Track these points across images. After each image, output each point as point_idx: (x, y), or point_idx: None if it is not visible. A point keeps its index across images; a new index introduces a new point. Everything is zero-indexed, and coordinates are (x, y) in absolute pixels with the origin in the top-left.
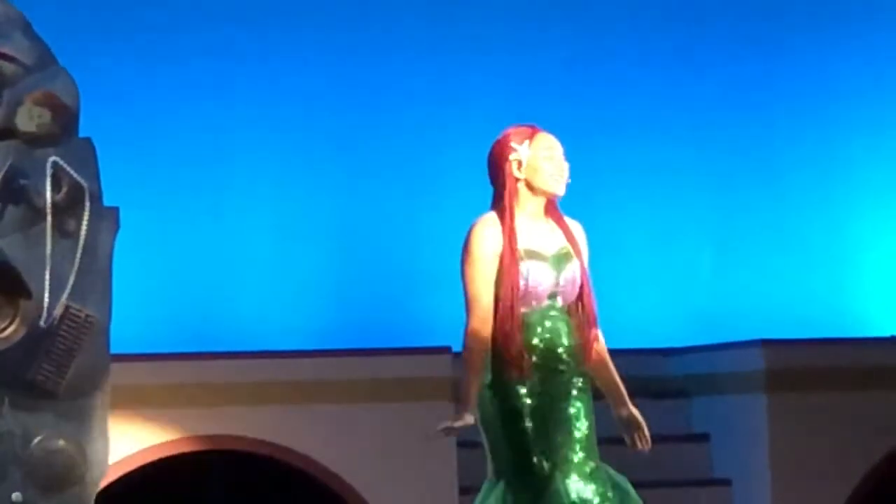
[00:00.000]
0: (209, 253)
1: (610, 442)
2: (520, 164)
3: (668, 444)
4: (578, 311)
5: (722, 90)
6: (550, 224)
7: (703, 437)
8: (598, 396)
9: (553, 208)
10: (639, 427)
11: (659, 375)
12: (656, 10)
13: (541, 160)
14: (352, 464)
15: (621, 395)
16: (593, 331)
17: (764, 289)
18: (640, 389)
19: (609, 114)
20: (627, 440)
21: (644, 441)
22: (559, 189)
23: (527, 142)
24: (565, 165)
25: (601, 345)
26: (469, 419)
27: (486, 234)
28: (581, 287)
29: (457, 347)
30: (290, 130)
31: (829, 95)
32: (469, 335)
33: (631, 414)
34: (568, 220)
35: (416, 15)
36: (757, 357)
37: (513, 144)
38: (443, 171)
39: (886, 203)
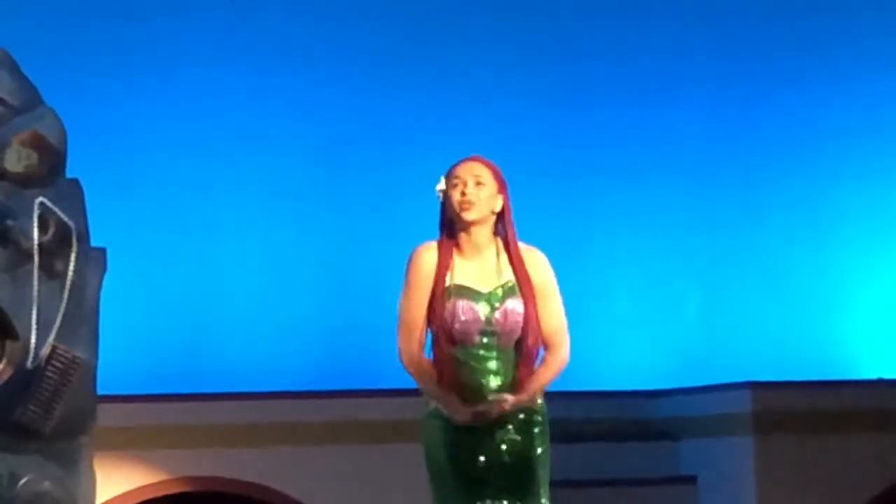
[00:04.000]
0: (196, 295)
1: (592, 485)
2: (441, 199)
3: (655, 487)
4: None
5: (710, 132)
6: (498, 257)
7: (690, 480)
8: (591, 438)
9: (506, 238)
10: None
11: (646, 417)
12: (643, 54)
13: (450, 189)
14: None
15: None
16: (531, 368)
17: (751, 331)
18: (628, 431)
19: (596, 156)
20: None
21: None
22: (463, 213)
23: (442, 178)
24: (474, 190)
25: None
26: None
27: (419, 260)
28: (525, 324)
29: None
30: (277, 173)
31: (818, 138)
32: (400, 356)
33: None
34: (524, 249)
35: (401, 59)
36: (744, 399)
37: (437, 184)
38: (428, 215)
39: (874, 246)
